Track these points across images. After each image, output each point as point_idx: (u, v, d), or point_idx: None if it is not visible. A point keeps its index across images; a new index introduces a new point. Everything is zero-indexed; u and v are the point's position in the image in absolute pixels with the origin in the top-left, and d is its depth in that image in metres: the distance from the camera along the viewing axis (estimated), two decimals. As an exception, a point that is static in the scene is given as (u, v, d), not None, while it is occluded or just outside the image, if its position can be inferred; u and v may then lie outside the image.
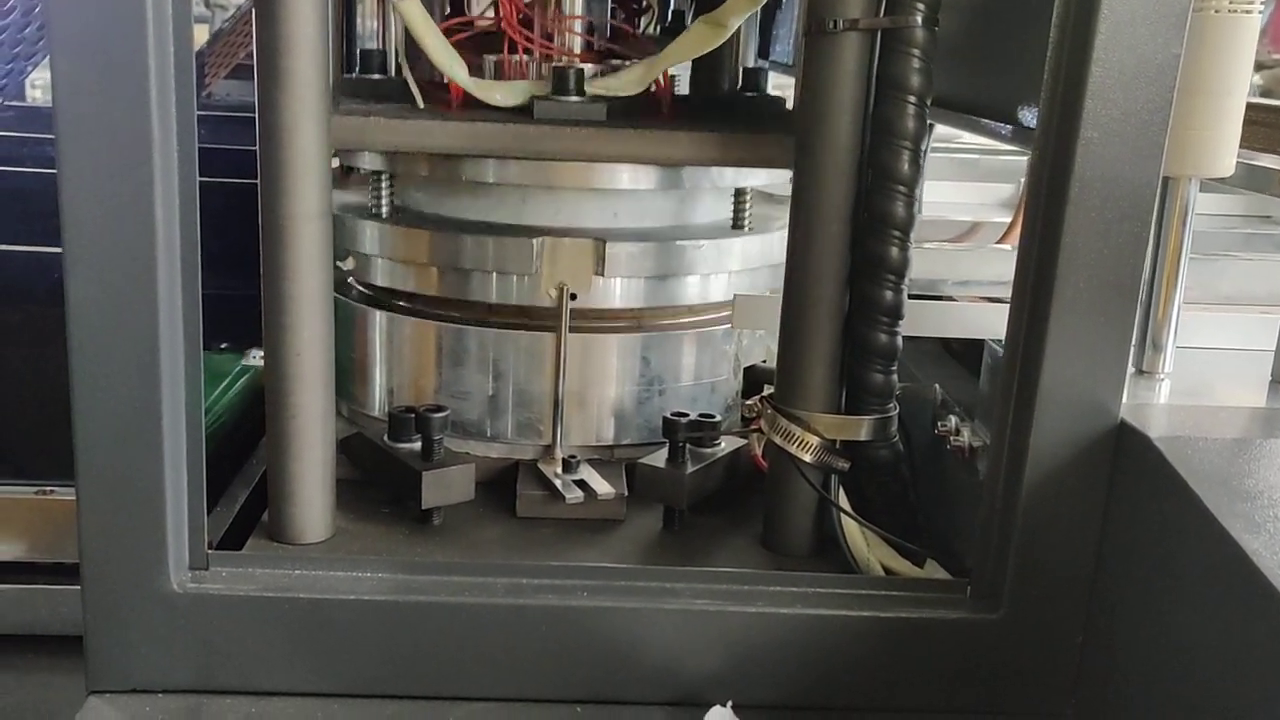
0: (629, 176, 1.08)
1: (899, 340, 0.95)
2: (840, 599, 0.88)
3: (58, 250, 1.09)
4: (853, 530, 0.99)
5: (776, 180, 1.18)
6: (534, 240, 1.05)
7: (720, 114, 1.15)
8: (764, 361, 1.19)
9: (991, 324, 1.03)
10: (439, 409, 1.01)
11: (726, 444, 1.07)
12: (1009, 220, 1.37)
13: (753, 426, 1.08)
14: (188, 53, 0.77)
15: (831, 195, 0.92)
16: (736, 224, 1.15)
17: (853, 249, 0.94)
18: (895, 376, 0.96)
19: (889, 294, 0.93)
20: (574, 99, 1.05)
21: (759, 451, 1.08)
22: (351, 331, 1.12)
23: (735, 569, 0.93)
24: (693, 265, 1.09)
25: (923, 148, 0.91)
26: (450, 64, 1.04)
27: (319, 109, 0.88)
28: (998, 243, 1.34)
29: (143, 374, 0.79)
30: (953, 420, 1.05)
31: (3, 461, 1.06)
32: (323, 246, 0.92)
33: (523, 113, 1.05)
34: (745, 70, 1.26)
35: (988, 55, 1.03)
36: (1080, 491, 0.84)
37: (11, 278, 1.11)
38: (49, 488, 1.04)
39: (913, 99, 0.89)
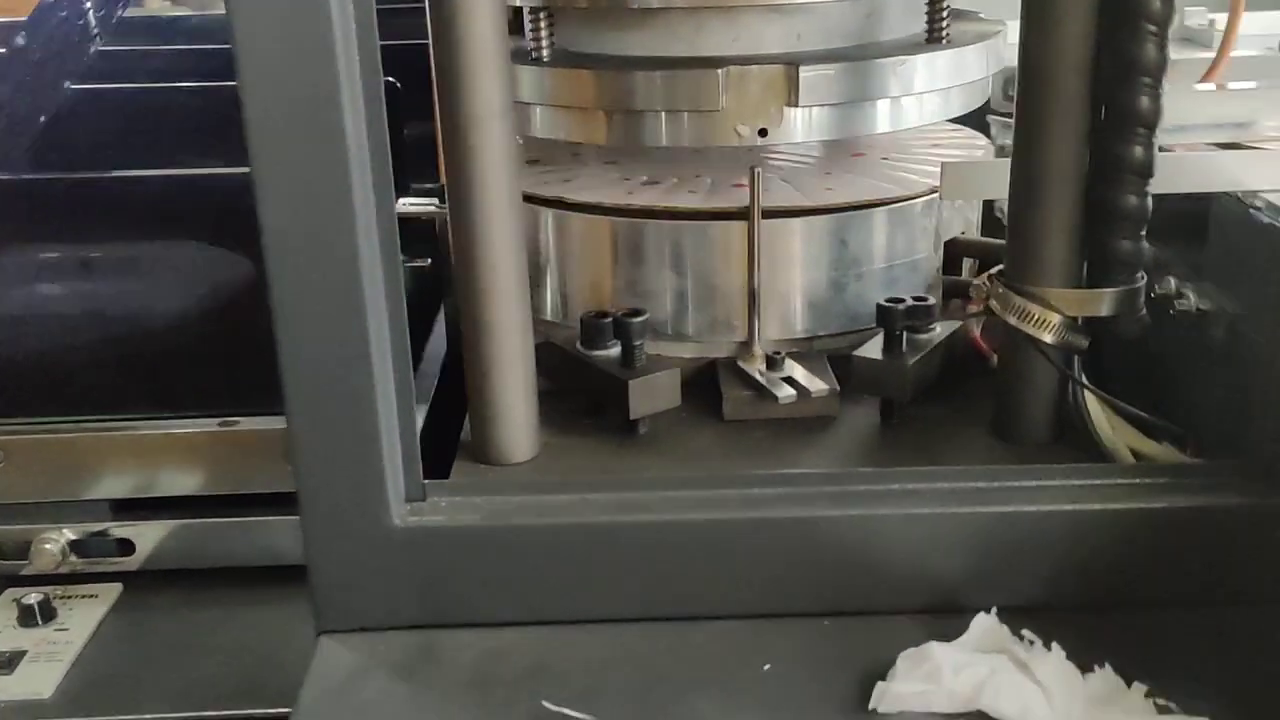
0: None
1: (1149, 201, 0.85)
2: (1103, 490, 0.81)
3: (213, 171, 1.03)
4: (1098, 413, 0.90)
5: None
6: (718, 71, 0.94)
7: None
8: (963, 233, 1.10)
9: (1234, 175, 0.92)
10: (637, 312, 0.94)
11: (941, 328, 0.99)
12: (1210, 55, 1.23)
13: (971, 307, 0.99)
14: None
15: (1067, 38, 0.81)
16: (933, 37, 1.02)
17: (1093, 102, 0.83)
18: (1145, 243, 0.87)
19: (1139, 149, 0.82)
20: None
21: (978, 333, 1.00)
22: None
23: (985, 465, 0.86)
24: (891, 87, 0.97)
25: (1180, -22, 0.80)
26: None
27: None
28: (1200, 81, 1.21)
29: (346, 296, 0.73)
30: (1172, 282, 0.95)
31: (185, 395, 1.01)
32: (509, 147, 0.84)
33: None
34: None
35: None
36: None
37: (165, 203, 1.05)
38: (234, 419, 1.00)
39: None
